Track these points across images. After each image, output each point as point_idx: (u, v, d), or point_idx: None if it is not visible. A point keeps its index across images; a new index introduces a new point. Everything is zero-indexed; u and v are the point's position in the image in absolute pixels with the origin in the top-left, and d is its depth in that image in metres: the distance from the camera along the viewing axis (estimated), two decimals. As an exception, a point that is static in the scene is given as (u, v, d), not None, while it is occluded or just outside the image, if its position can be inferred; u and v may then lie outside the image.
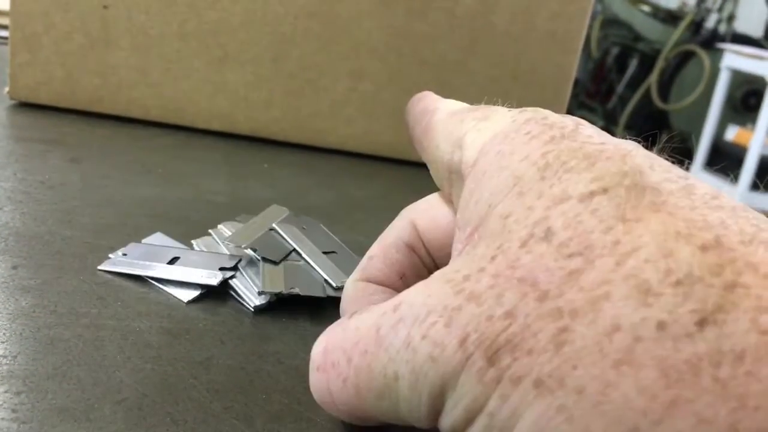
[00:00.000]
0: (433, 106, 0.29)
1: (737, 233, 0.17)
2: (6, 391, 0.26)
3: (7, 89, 0.63)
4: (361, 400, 0.22)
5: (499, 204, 0.20)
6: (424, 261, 0.30)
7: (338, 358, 0.23)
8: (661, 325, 0.16)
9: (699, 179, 0.20)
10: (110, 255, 0.37)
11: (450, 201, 0.28)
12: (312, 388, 0.25)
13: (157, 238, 0.40)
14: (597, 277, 0.17)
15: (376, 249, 0.31)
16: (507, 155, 0.22)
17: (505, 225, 0.20)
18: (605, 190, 0.19)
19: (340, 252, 0.41)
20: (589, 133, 0.22)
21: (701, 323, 0.15)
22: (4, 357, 0.28)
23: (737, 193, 2.89)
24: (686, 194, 0.18)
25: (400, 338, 0.20)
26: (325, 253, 0.40)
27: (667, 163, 0.21)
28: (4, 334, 0.29)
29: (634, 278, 0.16)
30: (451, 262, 0.22)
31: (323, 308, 0.36)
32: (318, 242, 0.41)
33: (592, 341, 0.16)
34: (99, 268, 0.36)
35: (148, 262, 0.36)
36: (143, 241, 0.39)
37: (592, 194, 0.19)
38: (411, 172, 0.65)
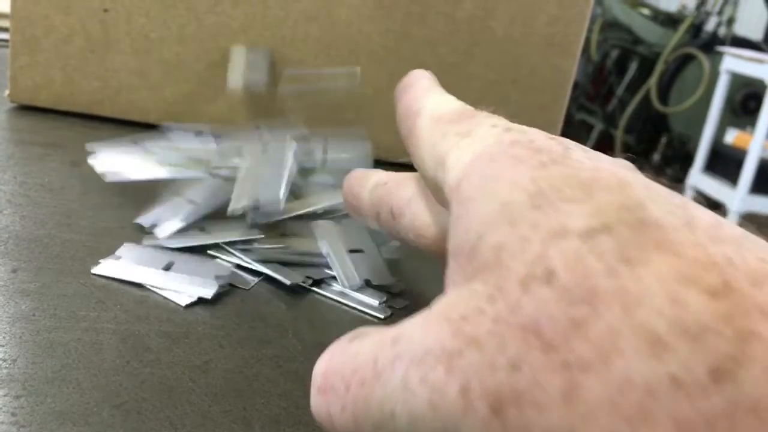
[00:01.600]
0: (417, 105, 0.27)
1: (745, 273, 0.16)
2: (5, 395, 0.26)
3: (7, 92, 0.63)
4: (360, 428, 0.21)
5: (490, 234, 0.19)
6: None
7: (337, 383, 0.22)
8: (674, 380, 0.15)
9: (699, 206, 0.19)
10: (100, 261, 0.37)
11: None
12: (312, 408, 0.24)
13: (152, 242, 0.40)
14: (605, 329, 0.16)
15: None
16: (493, 180, 0.21)
17: (500, 259, 0.19)
18: (607, 228, 0.18)
19: (367, 251, 0.41)
20: (579, 156, 0.21)
21: (716, 377, 0.15)
22: (4, 360, 0.28)
23: (737, 196, 2.89)
24: (689, 229, 0.18)
25: (397, 376, 0.19)
26: (351, 251, 0.41)
27: (666, 191, 0.20)
28: (3, 337, 0.29)
29: (644, 329, 0.16)
30: (446, 292, 0.21)
31: (323, 312, 0.36)
32: (348, 238, 0.42)
33: (604, 396, 0.16)
34: (93, 271, 0.36)
35: (143, 267, 0.36)
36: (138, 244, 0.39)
37: (592, 231, 0.18)
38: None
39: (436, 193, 0.25)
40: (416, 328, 0.20)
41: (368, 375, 0.21)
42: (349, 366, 0.22)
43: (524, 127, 0.23)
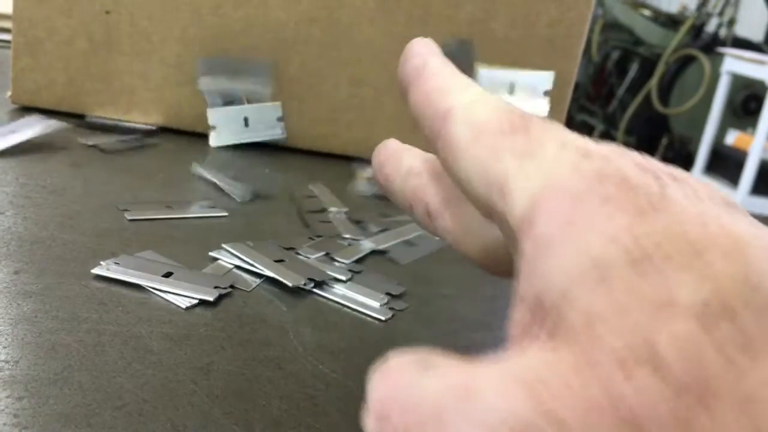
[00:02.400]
0: (443, 102, 0.23)
1: None
2: (8, 397, 0.26)
3: (9, 93, 0.63)
4: None
5: (578, 293, 0.17)
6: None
7: (395, 418, 0.20)
8: None
9: None
10: (101, 262, 0.37)
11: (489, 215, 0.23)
12: (365, 428, 0.21)
13: (149, 255, 0.40)
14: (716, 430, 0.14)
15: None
16: (582, 229, 0.18)
17: (592, 327, 0.16)
18: (729, 311, 0.15)
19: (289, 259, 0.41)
20: (677, 196, 0.18)
21: None
22: (6, 362, 0.28)
23: (737, 197, 2.89)
24: None
25: None
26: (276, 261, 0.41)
27: None
28: (6, 339, 0.29)
29: None
30: (516, 340, 0.19)
31: (324, 314, 0.37)
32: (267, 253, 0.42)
33: None
34: (93, 271, 0.36)
35: (144, 273, 0.36)
36: (135, 255, 0.39)
37: (710, 313, 0.15)
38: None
39: (490, 215, 0.21)
40: (492, 385, 0.17)
41: (431, 426, 0.18)
42: (411, 404, 0.20)
43: (603, 149, 0.20)
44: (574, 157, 0.19)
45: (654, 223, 0.17)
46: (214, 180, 0.53)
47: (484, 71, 0.63)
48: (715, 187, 0.19)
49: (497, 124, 0.21)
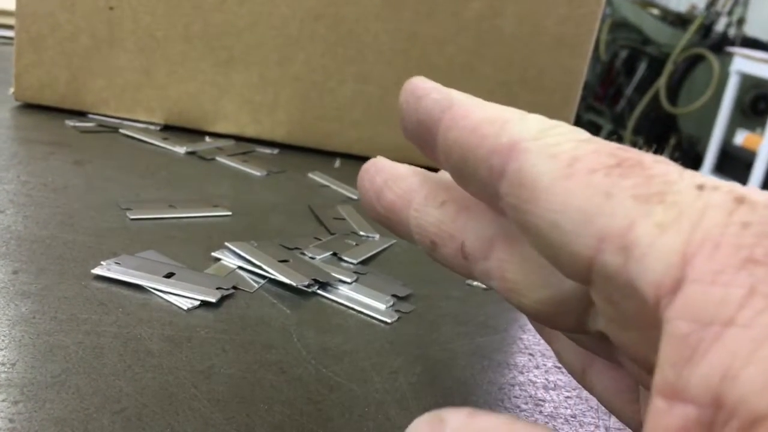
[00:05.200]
0: (506, 135, 0.19)
1: None
2: (3, 400, 0.25)
3: (12, 90, 0.63)
4: None
5: None
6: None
7: None
8: None
9: None
10: (102, 262, 0.36)
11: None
12: None
13: (150, 255, 0.39)
14: None
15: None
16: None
17: None
18: None
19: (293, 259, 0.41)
20: None
21: None
22: (3, 365, 0.27)
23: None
24: None
25: None
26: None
27: None
28: (3, 340, 0.29)
29: None
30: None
31: (328, 316, 0.36)
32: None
33: None
34: (93, 271, 0.35)
35: (145, 273, 0.36)
36: (136, 255, 0.39)
37: None
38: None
39: (585, 272, 0.17)
40: None
41: None
42: None
43: (758, 194, 0.16)
44: (725, 203, 0.15)
45: None
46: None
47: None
48: None
49: (596, 157, 0.17)
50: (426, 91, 0.22)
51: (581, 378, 0.24)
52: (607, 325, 0.18)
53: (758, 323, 0.13)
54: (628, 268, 0.15)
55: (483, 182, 0.20)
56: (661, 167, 0.17)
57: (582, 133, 0.18)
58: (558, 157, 0.17)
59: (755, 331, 0.13)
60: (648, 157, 0.17)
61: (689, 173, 0.16)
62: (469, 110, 0.20)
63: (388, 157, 0.25)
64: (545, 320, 0.21)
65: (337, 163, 0.64)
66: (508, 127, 0.19)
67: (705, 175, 0.17)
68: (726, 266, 0.14)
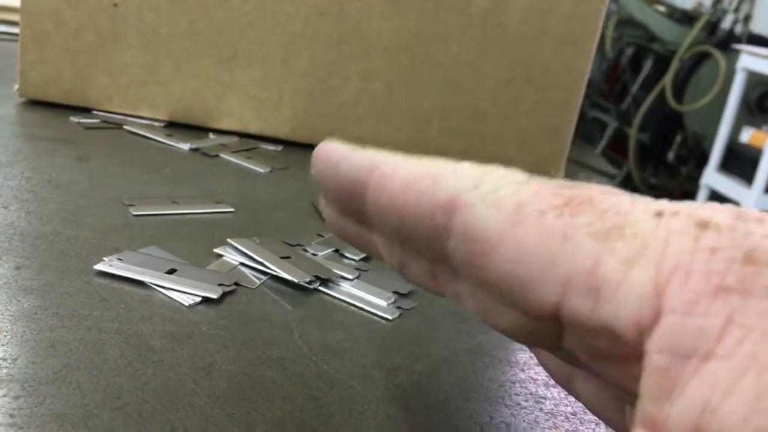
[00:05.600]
0: (441, 190, 0.18)
1: None
2: (4, 396, 0.25)
3: (16, 87, 0.63)
4: None
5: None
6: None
7: None
8: None
9: None
10: (104, 258, 0.36)
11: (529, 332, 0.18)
12: None
13: (153, 251, 0.39)
14: None
15: None
16: (751, 333, 0.13)
17: None
18: None
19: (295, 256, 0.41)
20: None
21: None
22: (4, 360, 0.27)
23: (752, 195, 2.87)
24: None
25: None
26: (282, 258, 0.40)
27: None
28: (4, 336, 0.29)
29: None
30: None
31: (330, 313, 0.36)
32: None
33: None
34: (95, 267, 0.35)
35: (147, 269, 0.36)
36: (139, 251, 0.39)
37: None
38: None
39: (552, 316, 0.16)
40: None
41: None
42: None
43: (721, 216, 0.15)
44: (688, 229, 0.15)
45: None
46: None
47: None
48: None
49: (541, 199, 0.16)
50: (344, 154, 0.21)
51: (567, 387, 0.24)
52: (583, 358, 0.17)
53: (737, 354, 0.13)
54: (599, 309, 0.15)
55: (426, 242, 0.18)
56: (611, 199, 0.16)
57: (518, 175, 0.18)
58: (502, 205, 0.17)
59: (734, 363, 0.13)
60: (595, 191, 0.16)
61: (641, 201, 0.16)
62: (397, 168, 0.19)
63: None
64: (521, 341, 0.20)
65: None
66: (442, 181, 0.18)
67: (658, 201, 0.16)
68: (699, 295, 0.14)
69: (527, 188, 0.17)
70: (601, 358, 0.16)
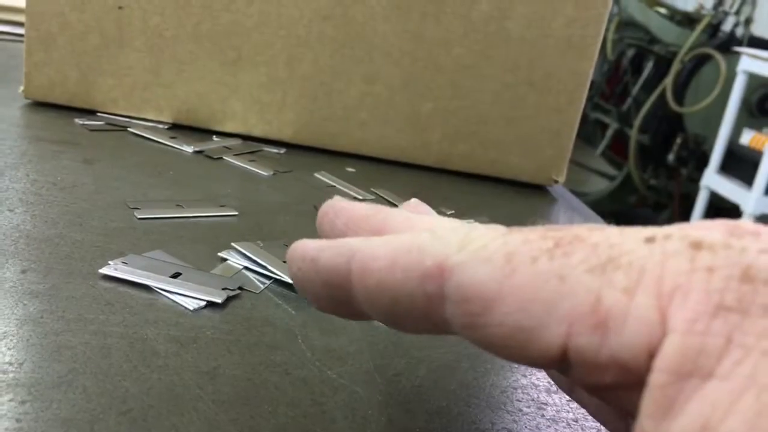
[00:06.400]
0: (425, 258, 0.18)
1: None
2: (11, 400, 0.25)
3: (21, 88, 0.63)
4: None
5: None
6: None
7: None
8: None
9: None
10: (110, 262, 0.37)
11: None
12: None
13: (157, 255, 0.39)
14: None
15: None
16: (751, 352, 0.13)
17: None
18: None
19: None
20: None
21: None
22: (11, 364, 0.28)
23: (752, 197, 2.87)
24: None
25: None
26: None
27: None
28: (11, 340, 0.29)
29: None
30: None
31: (332, 318, 0.36)
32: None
33: None
34: (100, 271, 0.36)
35: (152, 273, 0.36)
36: (143, 255, 0.39)
37: None
38: (424, 177, 0.64)
39: (558, 360, 0.16)
40: None
41: None
42: None
43: (713, 236, 0.15)
44: (683, 250, 0.15)
45: None
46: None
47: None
48: None
49: (530, 245, 0.16)
50: (318, 249, 0.21)
51: (570, 393, 0.25)
52: (588, 390, 0.18)
53: (737, 374, 0.13)
54: (607, 343, 0.15)
55: (423, 314, 0.18)
56: (599, 234, 0.16)
57: (500, 228, 0.18)
58: (492, 259, 0.16)
59: (734, 383, 0.13)
60: (581, 229, 0.17)
61: (629, 230, 0.16)
62: (375, 250, 0.19)
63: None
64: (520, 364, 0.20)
65: (351, 168, 0.64)
66: (426, 250, 0.18)
67: (646, 228, 0.16)
68: (699, 314, 0.14)
69: (513, 238, 0.17)
70: (607, 389, 0.16)
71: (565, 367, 0.16)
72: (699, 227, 0.16)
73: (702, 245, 0.15)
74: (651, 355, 0.14)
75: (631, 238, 0.16)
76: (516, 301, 0.16)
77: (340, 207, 0.24)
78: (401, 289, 0.18)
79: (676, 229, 0.16)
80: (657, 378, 0.14)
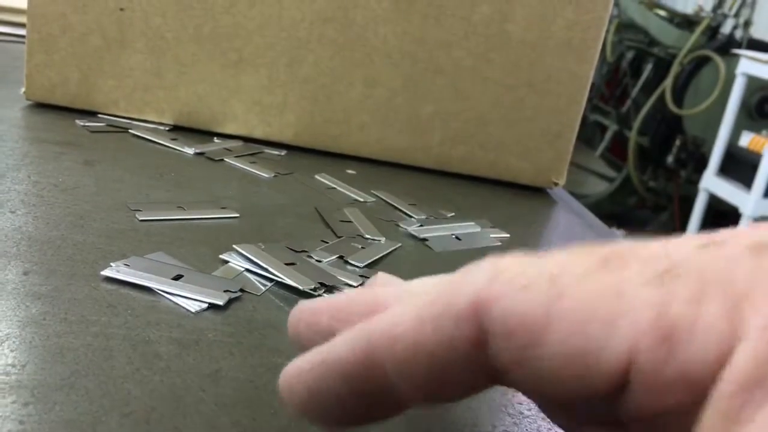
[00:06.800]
0: (463, 297, 0.16)
1: None
2: (14, 402, 0.26)
3: (23, 90, 0.63)
4: None
5: None
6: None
7: None
8: None
9: None
10: (111, 264, 0.37)
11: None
12: None
13: (159, 257, 0.39)
14: None
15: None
16: None
17: None
18: None
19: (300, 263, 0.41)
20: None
21: None
22: (13, 366, 0.28)
23: (750, 200, 2.87)
24: None
25: None
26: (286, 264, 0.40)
27: None
28: (13, 342, 0.29)
29: None
30: None
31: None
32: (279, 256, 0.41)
33: None
34: (102, 273, 0.36)
35: (153, 275, 0.36)
36: (145, 257, 0.39)
37: None
38: (424, 179, 0.64)
39: (636, 382, 0.15)
40: None
41: None
42: None
43: (762, 238, 0.15)
44: (745, 254, 0.14)
45: None
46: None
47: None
48: None
49: (575, 263, 0.15)
50: (320, 352, 0.19)
51: None
52: (642, 419, 0.16)
53: None
54: (675, 356, 0.14)
55: (466, 365, 0.16)
56: (644, 248, 0.15)
57: (523, 254, 0.16)
58: (533, 284, 0.15)
59: None
60: (622, 246, 0.16)
61: (674, 241, 0.15)
62: (392, 318, 0.17)
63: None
64: (561, 419, 0.19)
65: (351, 170, 0.64)
66: (453, 293, 0.16)
67: (692, 236, 0.15)
68: None
69: (552, 260, 0.16)
70: (664, 414, 0.15)
71: (621, 395, 0.15)
72: (756, 230, 0.15)
73: (762, 247, 0.14)
74: (721, 366, 0.13)
75: (682, 247, 0.15)
76: (569, 325, 0.15)
77: (314, 307, 0.22)
78: (437, 344, 0.16)
79: (728, 235, 0.15)
80: (725, 388, 0.13)
